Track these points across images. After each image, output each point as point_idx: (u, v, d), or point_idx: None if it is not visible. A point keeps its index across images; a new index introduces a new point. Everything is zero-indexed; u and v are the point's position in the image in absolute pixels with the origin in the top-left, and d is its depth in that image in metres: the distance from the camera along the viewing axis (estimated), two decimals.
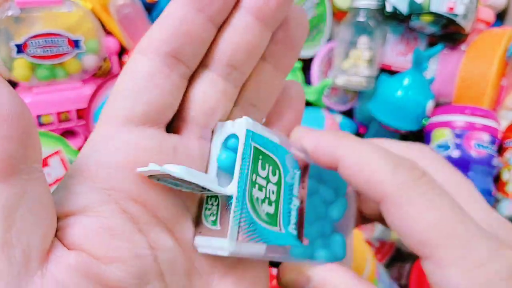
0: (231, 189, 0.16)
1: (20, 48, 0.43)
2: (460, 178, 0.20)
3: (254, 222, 0.17)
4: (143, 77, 0.16)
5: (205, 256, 0.17)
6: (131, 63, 0.17)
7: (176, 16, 0.16)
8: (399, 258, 0.55)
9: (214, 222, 0.17)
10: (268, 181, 0.18)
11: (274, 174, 0.18)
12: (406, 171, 0.18)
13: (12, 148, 0.13)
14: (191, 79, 0.18)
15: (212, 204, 0.17)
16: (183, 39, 0.16)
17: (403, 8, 0.51)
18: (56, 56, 0.45)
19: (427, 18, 0.52)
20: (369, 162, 0.18)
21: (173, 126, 0.18)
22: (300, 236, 0.19)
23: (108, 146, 0.16)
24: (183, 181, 0.15)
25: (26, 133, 0.13)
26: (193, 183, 0.15)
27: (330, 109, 0.58)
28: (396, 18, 0.52)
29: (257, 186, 0.17)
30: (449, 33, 0.54)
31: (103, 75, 0.52)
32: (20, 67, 0.44)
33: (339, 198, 0.22)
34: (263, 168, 0.18)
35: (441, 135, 0.50)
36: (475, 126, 0.48)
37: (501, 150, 0.51)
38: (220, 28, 0.17)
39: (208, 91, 0.17)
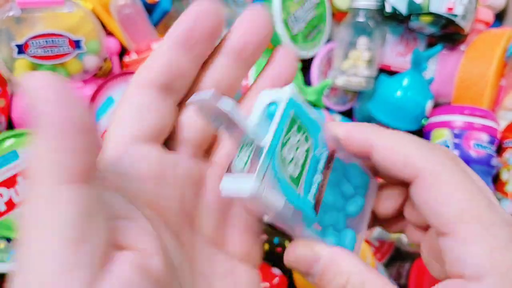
0: (265, 140, 0.18)
1: (21, 49, 0.44)
2: (480, 179, 0.21)
3: (279, 175, 0.18)
4: (144, 103, 0.18)
5: (207, 259, 0.19)
6: (132, 94, 0.19)
7: (167, 56, 0.19)
8: (398, 258, 0.55)
9: (243, 166, 0.18)
10: (299, 147, 0.19)
11: (306, 141, 0.19)
12: (439, 153, 0.19)
13: (91, 156, 0.14)
14: (181, 105, 0.20)
15: (244, 155, 0.18)
16: (173, 75, 0.19)
17: (403, 8, 0.51)
18: (57, 56, 0.45)
19: (426, 19, 0.52)
20: (403, 145, 0.20)
21: (167, 146, 0.20)
22: (316, 209, 0.20)
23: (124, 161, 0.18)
24: (228, 119, 0.17)
25: (98, 143, 0.15)
26: (236, 122, 0.17)
27: (329, 110, 0.59)
28: (395, 19, 0.52)
29: (288, 146, 0.18)
30: (448, 34, 0.55)
31: (104, 76, 0.53)
32: (21, 68, 0.44)
33: (358, 196, 0.23)
34: (298, 131, 0.19)
35: (440, 135, 0.50)
36: (474, 126, 0.49)
37: (500, 150, 0.51)
38: (204, 65, 0.20)
39: (195, 115, 0.20)
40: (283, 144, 0.18)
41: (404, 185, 0.21)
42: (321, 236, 0.21)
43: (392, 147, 0.20)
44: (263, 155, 0.17)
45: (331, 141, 0.21)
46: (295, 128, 0.19)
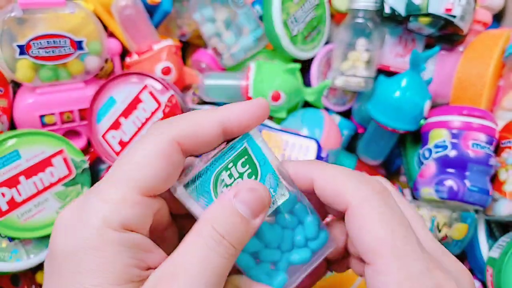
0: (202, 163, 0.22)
1: (23, 49, 0.44)
2: (415, 211, 0.23)
3: (207, 191, 0.21)
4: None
5: None
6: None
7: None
8: None
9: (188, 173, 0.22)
10: (241, 177, 0.22)
11: (249, 177, 0.22)
12: (367, 186, 0.21)
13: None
14: None
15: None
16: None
17: (401, 9, 0.52)
18: (58, 57, 0.46)
19: (424, 20, 0.52)
20: (338, 178, 0.22)
21: None
22: None
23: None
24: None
25: None
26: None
27: (328, 110, 0.59)
28: (394, 20, 0.53)
29: (229, 172, 0.22)
30: (446, 35, 0.55)
31: (105, 76, 0.53)
32: (23, 68, 0.45)
33: (306, 249, 0.24)
34: (243, 165, 0.22)
35: (438, 136, 0.50)
36: (472, 126, 0.49)
37: (498, 150, 0.52)
38: None
39: None
40: (225, 169, 0.21)
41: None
42: (254, 268, 0.22)
43: (328, 180, 0.22)
44: (195, 172, 0.21)
45: (289, 185, 0.23)
46: (241, 160, 0.22)
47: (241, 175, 0.22)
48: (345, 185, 0.21)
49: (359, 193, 0.21)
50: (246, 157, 0.22)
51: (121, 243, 0.19)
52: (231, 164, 0.22)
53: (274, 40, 0.54)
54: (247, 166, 0.22)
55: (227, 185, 0.22)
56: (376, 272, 0.20)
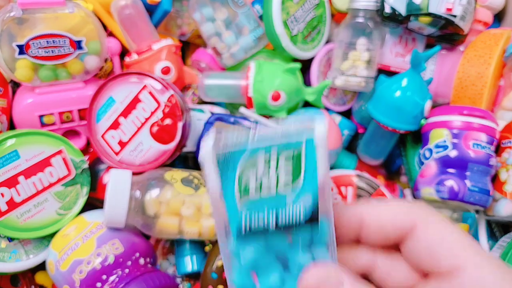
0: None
1: (22, 49, 0.44)
2: None
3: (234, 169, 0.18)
4: None
5: None
6: None
7: None
8: None
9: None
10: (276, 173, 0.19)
11: (287, 178, 0.19)
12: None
13: None
14: None
15: None
16: None
17: (402, 9, 0.51)
18: (58, 57, 0.46)
19: (425, 19, 0.52)
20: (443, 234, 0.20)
21: None
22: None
23: None
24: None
25: None
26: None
27: (329, 110, 0.59)
28: (394, 20, 0.52)
29: (267, 161, 0.19)
30: (447, 34, 0.55)
31: (105, 76, 0.53)
32: (22, 68, 0.45)
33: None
34: (286, 161, 0.19)
35: (439, 135, 0.50)
36: (472, 126, 0.49)
37: (498, 150, 0.51)
38: None
39: None
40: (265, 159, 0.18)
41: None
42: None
43: (432, 234, 0.20)
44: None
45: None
46: (287, 154, 0.18)
47: (277, 170, 0.19)
48: (456, 244, 0.19)
49: (475, 258, 0.19)
50: (295, 153, 0.19)
51: None
52: (274, 154, 0.18)
53: (274, 40, 0.54)
54: (290, 165, 0.19)
55: (257, 176, 0.18)
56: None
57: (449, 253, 0.19)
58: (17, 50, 0.44)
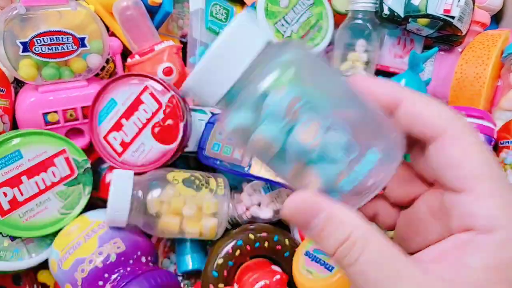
0: None
1: (26, 46, 0.44)
2: None
3: None
4: None
5: None
6: None
7: None
8: None
9: None
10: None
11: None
12: (459, 119, 0.21)
13: None
14: None
15: None
16: None
17: (400, 10, 0.52)
18: (61, 54, 0.46)
19: (423, 21, 0.53)
20: (430, 106, 0.21)
21: None
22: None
23: None
24: None
25: None
26: None
27: None
28: (393, 21, 0.53)
29: None
30: (445, 35, 0.55)
31: (107, 76, 0.53)
32: (26, 67, 0.45)
33: None
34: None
35: None
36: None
37: (496, 150, 0.52)
38: None
39: None
40: None
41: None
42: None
43: (420, 107, 0.21)
44: None
45: None
46: None
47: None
48: (438, 114, 0.21)
49: (454, 124, 0.20)
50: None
51: None
52: None
53: None
54: None
55: None
56: (475, 197, 0.19)
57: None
58: (21, 47, 0.44)
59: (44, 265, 0.46)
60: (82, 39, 0.46)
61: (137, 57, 0.50)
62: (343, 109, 0.21)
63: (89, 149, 0.50)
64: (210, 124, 0.51)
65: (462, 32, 0.54)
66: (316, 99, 0.20)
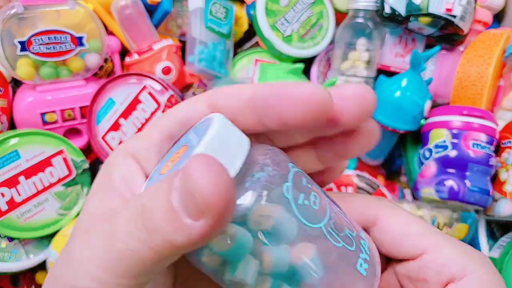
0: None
1: (24, 46, 0.44)
2: None
3: None
4: None
5: None
6: None
7: None
8: None
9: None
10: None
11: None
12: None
13: None
14: None
15: None
16: None
17: (402, 9, 0.52)
18: (59, 53, 0.45)
19: (425, 20, 0.52)
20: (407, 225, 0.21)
21: None
22: None
23: None
24: None
25: None
26: None
27: None
28: (394, 20, 0.53)
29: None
30: (447, 34, 0.55)
31: (105, 76, 0.53)
32: (23, 66, 0.45)
33: None
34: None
35: (439, 136, 0.50)
36: (472, 126, 0.49)
37: (498, 150, 0.51)
38: None
39: None
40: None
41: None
42: None
43: (396, 224, 0.21)
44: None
45: None
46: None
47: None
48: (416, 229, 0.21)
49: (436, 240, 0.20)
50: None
51: None
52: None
53: (266, 43, 0.55)
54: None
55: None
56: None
57: (411, 242, 0.21)
58: (19, 46, 0.44)
59: (42, 266, 0.46)
60: (80, 38, 0.46)
61: (135, 56, 0.50)
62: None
63: (87, 149, 0.50)
64: None
65: (463, 31, 0.53)
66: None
